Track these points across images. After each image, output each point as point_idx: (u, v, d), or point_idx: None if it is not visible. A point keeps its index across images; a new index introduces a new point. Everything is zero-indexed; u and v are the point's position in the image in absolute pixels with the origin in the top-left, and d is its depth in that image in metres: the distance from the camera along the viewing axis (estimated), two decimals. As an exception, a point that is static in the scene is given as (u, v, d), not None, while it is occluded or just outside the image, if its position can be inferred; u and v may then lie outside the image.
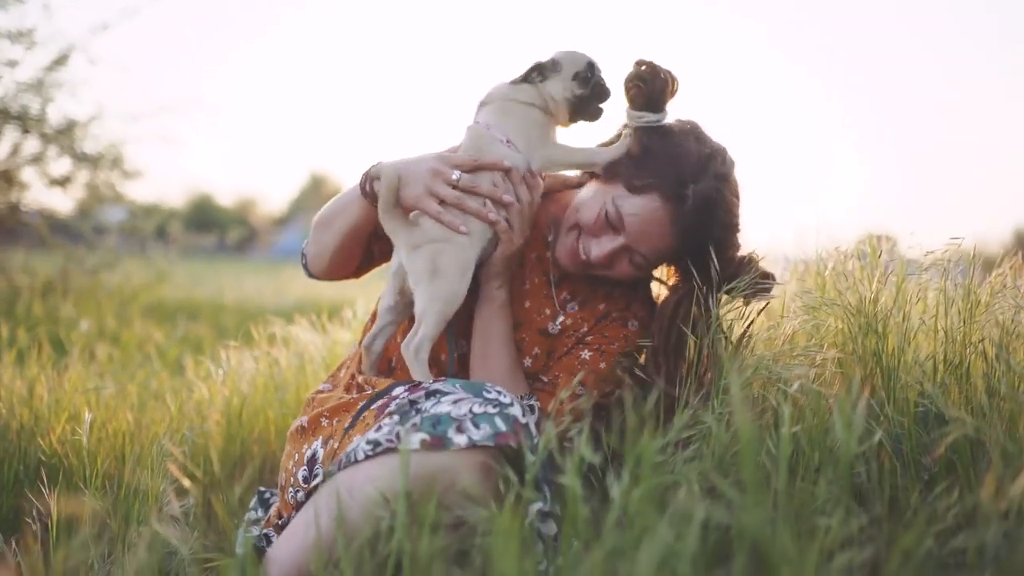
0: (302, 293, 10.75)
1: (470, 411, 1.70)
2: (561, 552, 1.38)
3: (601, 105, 2.12)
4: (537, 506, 1.67)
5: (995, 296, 2.18)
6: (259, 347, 3.27)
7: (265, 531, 2.09)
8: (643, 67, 2.07)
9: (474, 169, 2.01)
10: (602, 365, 2.15)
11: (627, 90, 2.09)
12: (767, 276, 2.11)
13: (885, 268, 2.24)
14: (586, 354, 2.16)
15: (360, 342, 2.23)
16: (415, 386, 1.87)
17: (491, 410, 1.71)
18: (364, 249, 2.22)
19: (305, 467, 1.95)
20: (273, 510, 2.07)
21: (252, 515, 2.25)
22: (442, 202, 1.98)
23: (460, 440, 1.65)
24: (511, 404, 1.74)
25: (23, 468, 2.45)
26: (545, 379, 2.15)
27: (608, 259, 2.08)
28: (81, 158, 7.71)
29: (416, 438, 1.66)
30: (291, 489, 1.97)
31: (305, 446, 1.99)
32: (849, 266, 2.31)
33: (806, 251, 2.53)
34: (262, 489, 2.33)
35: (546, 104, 2.09)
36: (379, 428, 1.75)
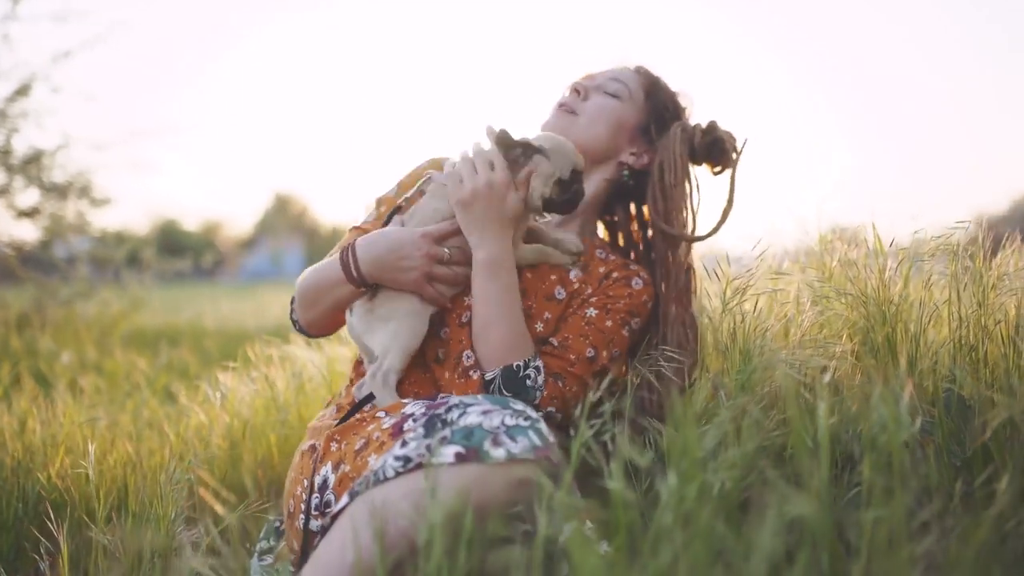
0: (281, 313, 10.61)
1: (503, 423, 1.60)
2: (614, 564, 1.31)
3: (571, 206, 2.09)
4: (603, 546, 1.56)
5: (1002, 279, 2.16)
6: (256, 368, 3.18)
7: (276, 566, 2.00)
8: None
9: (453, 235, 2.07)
10: (608, 323, 2.13)
11: None
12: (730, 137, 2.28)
13: (892, 255, 2.21)
14: (591, 312, 2.14)
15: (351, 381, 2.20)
16: (433, 402, 1.78)
17: (523, 423, 1.61)
18: None
19: (317, 494, 1.83)
20: (283, 546, 1.97)
21: (264, 544, 2.15)
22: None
23: (498, 453, 1.54)
24: (539, 420, 1.65)
25: (21, 505, 2.36)
26: (555, 342, 2.10)
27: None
28: (49, 188, 7.58)
29: (450, 451, 1.55)
30: (301, 516, 1.87)
31: (314, 471, 1.89)
32: (854, 254, 2.29)
33: (807, 241, 2.51)
34: (272, 518, 2.24)
35: None
36: (405, 444, 1.63)
